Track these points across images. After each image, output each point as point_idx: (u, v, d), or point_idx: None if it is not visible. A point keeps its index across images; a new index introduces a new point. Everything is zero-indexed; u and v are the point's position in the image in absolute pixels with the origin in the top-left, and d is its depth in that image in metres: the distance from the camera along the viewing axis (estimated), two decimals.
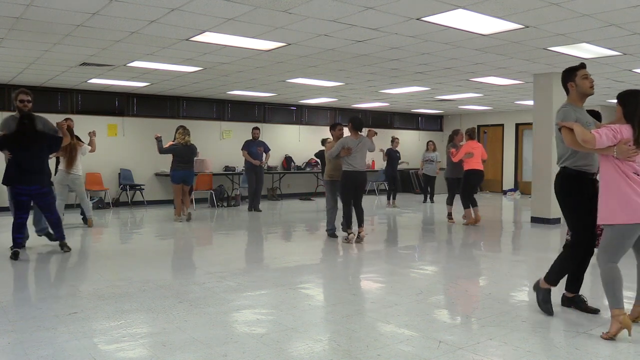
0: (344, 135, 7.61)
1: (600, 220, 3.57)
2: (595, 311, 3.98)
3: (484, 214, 9.22)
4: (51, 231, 6.64)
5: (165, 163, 12.56)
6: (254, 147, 11.10)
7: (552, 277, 3.98)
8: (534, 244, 7.79)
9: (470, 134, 9.32)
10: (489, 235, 8.32)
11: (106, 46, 7.12)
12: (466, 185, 9.14)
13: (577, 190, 3.84)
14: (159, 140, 9.31)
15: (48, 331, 3.58)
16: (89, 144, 8.49)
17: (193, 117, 12.90)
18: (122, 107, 12.21)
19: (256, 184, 11.20)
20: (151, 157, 12.49)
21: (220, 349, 3.26)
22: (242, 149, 11.21)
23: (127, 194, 12.08)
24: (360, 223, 7.45)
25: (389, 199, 12.66)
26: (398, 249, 7.05)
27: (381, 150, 12.31)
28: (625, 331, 3.43)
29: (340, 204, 7.63)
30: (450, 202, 9.55)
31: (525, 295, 4.60)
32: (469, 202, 9.13)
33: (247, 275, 5.34)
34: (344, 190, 7.38)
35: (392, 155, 12.55)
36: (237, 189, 12.99)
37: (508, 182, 16.73)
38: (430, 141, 13.73)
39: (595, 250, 3.81)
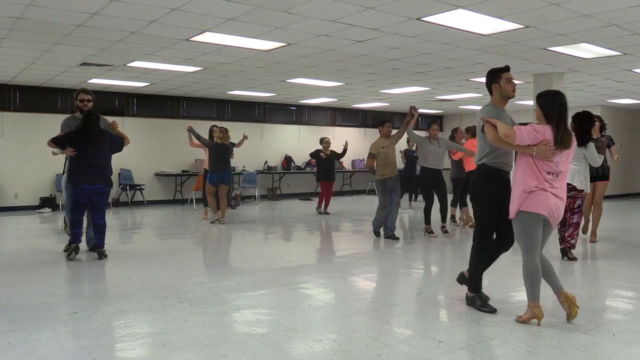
0: (392, 132, 7.76)
1: (510, 214, 3.73)
2: (492, 311, 4.01)
3: None
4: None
5: (165, 163, 12.61)
6: None
7: (472, 283, 4.17)
8: None
9: (472, 132, 8.98)
10: None
11: (106, 46, 7.12)
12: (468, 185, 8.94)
13: (490, 185, 3.96)
14: (191, 130, 9.26)
15: (48, 331, 3.58)
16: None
17: (193, 117, 12.88)
18: (122, 107, 12.21)
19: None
20: (151, 157, 12.51)
21: (220, 349, 3.27)
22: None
23: (127, 194, 12.08)
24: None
25: (410, 200, 12.77)
26: (398, 249, 7.04)
27: (400, 152, 12.20)
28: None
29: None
30: (455, 203, 9.23)
31: (524, 295, 4.59)
32: (466, 201, 8.97)
33: (247, 275, 5.34)
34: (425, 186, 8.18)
35: (410, 156, 12.45)
36: (237, 189, 12.99)
37: None
38: None
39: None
